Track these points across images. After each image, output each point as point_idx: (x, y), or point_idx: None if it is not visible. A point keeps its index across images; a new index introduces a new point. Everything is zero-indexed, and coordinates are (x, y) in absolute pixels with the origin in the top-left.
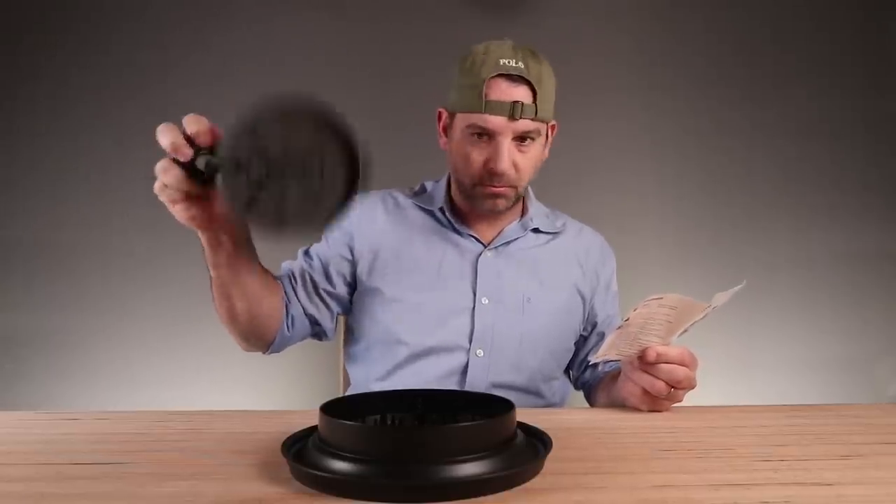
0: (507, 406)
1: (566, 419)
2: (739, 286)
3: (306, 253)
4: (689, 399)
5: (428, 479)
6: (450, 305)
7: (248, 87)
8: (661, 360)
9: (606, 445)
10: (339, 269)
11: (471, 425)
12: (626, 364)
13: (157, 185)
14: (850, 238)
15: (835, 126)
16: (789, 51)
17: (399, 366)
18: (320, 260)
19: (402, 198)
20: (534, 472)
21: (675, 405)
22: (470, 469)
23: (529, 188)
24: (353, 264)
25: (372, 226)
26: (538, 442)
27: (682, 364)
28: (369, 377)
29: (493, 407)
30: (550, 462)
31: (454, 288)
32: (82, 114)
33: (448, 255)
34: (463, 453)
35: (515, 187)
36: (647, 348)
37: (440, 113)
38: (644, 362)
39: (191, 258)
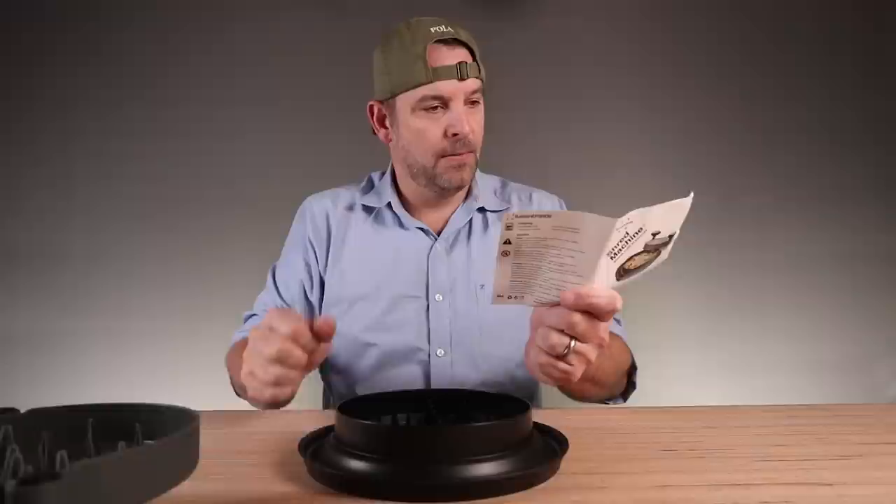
0: (523, 406)
1: (567, 419)
2: (688, 198)
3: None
4: (690, 399)
5: (448, 479)
6: (406, 308)
7: (249, 86)
8: (581, 302)
9: (606, 445)
10: (309, 294)
11: (490, 425)
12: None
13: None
14: (850, 238)
15: (835, 126)
16: (789, 51)
17: (364, 375)
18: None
19: (351, 197)
20: (552, 471)
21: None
22: (489, 469)
23: None
24: (318, 279)
25: (322, 235)
26: (553, 441)
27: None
28: (341, 386)
29: (506, 406)
30: None
31: (408, 289)
32: (82, 114)
33: (398, 256)
34: (482, 453)
35: (474, 152)
36: (570, 291)
37: (371, 107)
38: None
39: (190, 259)
